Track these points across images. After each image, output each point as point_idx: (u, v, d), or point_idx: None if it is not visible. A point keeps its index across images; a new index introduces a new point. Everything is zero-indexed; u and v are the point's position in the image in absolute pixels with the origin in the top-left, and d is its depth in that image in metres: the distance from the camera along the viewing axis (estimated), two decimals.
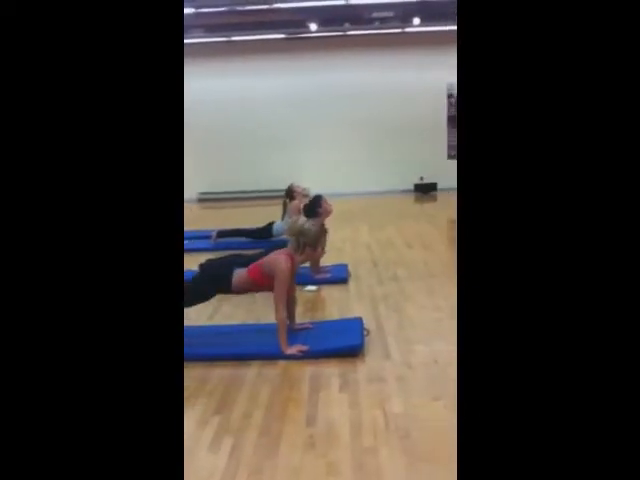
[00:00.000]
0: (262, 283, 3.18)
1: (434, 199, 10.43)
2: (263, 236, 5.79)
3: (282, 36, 9.90)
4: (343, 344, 3.14)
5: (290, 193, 5.69)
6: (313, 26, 9.09)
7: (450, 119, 11.18)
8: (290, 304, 3.33)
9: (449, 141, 11.28)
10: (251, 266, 3.22)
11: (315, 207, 4.72)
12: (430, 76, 10.71)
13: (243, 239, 5.94)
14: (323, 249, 3.51)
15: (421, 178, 11.06)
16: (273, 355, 3.08)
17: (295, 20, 8.99)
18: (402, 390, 2.70)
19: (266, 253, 3.39)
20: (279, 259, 3.12)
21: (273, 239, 5.63)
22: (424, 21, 9.40)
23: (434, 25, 9.95)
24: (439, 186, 10.98)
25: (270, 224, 5.87)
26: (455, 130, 11.16)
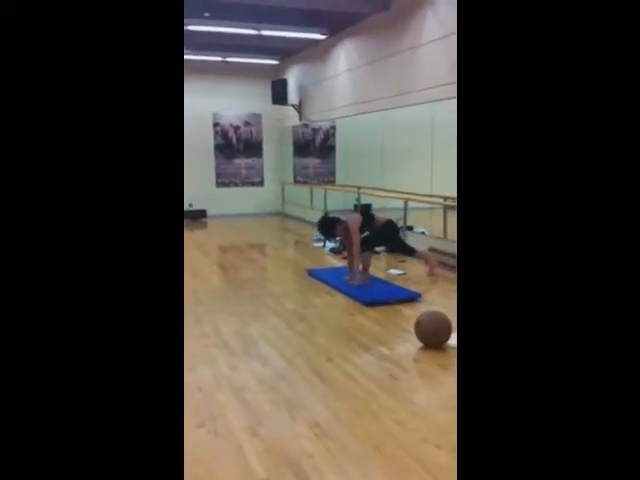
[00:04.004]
0: None
1: (204, 226, 10.47)
2: None
3: None
4: None
5: None
6: None
7: (217, 147, 11.41)
8: None
9: (217, 169, 11.50)
10: None
11: None
12: (197, 104, 10.85)
13: None
14: None
15: (190, 205, 11.04)
16: None
17: None
18: None
19: None
20: None
21: None
22: (189, 49, 9.49)
23: (199, 55, 10.12)
24: (208, 213, 11.09)
25: None
26: (222, 158, 11.41)
